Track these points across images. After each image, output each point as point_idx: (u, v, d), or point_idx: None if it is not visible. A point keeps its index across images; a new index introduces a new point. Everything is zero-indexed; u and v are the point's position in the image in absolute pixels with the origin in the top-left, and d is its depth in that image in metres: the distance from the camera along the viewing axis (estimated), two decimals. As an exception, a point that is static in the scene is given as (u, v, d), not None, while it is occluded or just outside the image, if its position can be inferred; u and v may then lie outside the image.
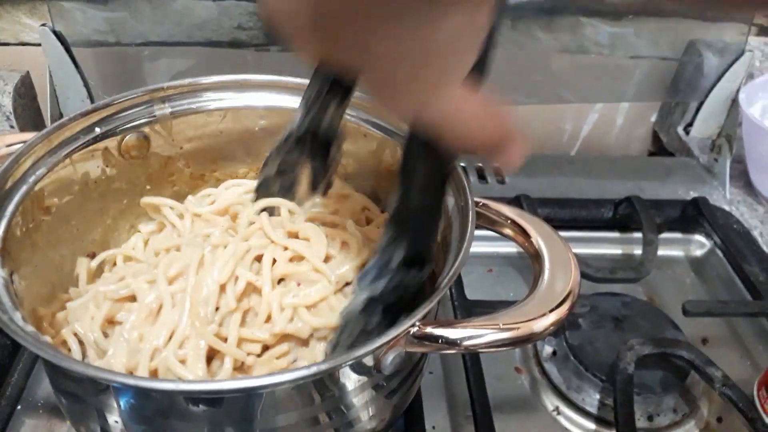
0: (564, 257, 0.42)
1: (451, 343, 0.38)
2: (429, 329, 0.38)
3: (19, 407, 0.54)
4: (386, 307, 0.40)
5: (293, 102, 0.53)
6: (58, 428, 0.54)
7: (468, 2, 0.24)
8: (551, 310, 0.39)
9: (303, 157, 0.46)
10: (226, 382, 0.37)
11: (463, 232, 0.42)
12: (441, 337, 0.38)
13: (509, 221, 0.46)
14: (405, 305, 0.40)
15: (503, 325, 0.38)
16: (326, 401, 0.39)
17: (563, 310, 0.39)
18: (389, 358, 0.38)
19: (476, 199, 0.45)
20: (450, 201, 0.47)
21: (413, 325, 0.37)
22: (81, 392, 0.41)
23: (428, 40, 0.25)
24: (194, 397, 0.36)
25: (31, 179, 0.45)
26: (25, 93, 0.80)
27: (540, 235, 0.44)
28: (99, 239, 0.53)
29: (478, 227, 0.43)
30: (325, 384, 0.38)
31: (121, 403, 0.39)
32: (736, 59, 0.85)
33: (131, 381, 0.36)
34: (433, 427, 0.56)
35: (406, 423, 0.54)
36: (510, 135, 0.32)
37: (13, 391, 0.54)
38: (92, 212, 0.51)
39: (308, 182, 0.49)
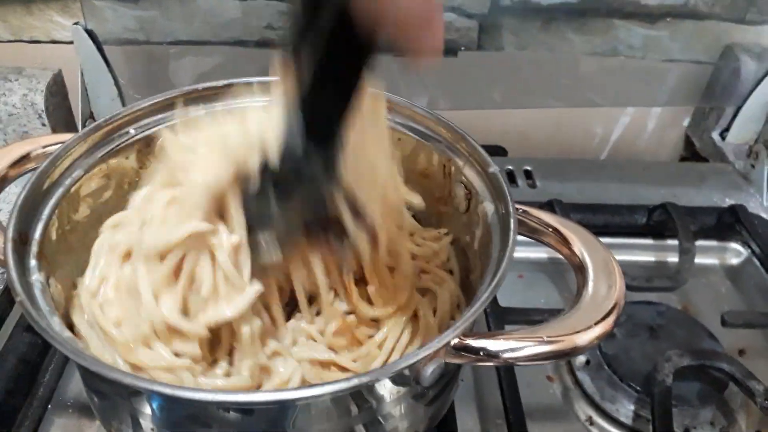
0: (608, 267, 0.41)
1: (492, 355, 0.38)
2: (469, 341, 0.37)
3: (49, 407, 0.54)
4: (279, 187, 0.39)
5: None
6: (88, 428, 0.54)
7: None
8: (596, 323, 0.38)
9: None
10: (262, 393, 0.37)
11: (504, 241, 0.41)
12: (481, 348, 0.37)
13: (550, 229, 0.45)
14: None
15: (547, 337, 0.37)
16: (363, 412, 0.39)
17: (609, 322, 0.38)
18: (429, 370, 0.37)
19: (516, 206, 0.44)
20: (489, 207, 0.46)
21: (454, 337, 0.36)
22: (113, 393, 0.40)
23: None
24: (227, 407, 0.36)
25: (68, 181, 0.45)
26: (57, 91, 0.80)
27: (583, 243, 0.43)
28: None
29: (518, 235, 0.42)
30: (362, 396, 0.38)
31: (154, 408, 0.38)
32: (775, 63, 0.83)
33: (167, 390, 0.35)
34: (465, 436, 0.55)
35: (439, 429, 0.53)
36: (433, 13, 0.29)
37: (45, 391, 0.54)
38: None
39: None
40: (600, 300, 0.39)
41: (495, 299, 0.63)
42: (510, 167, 0.84)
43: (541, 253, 0.72)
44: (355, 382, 0.33)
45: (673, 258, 0.70)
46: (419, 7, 0.29)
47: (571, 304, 0.40)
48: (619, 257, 0.71)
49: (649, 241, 0.75)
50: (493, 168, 0.46)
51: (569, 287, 0.68)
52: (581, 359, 0.61)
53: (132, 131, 0.50)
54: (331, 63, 0.34)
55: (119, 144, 0.49)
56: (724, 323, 0.62)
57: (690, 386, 0.57)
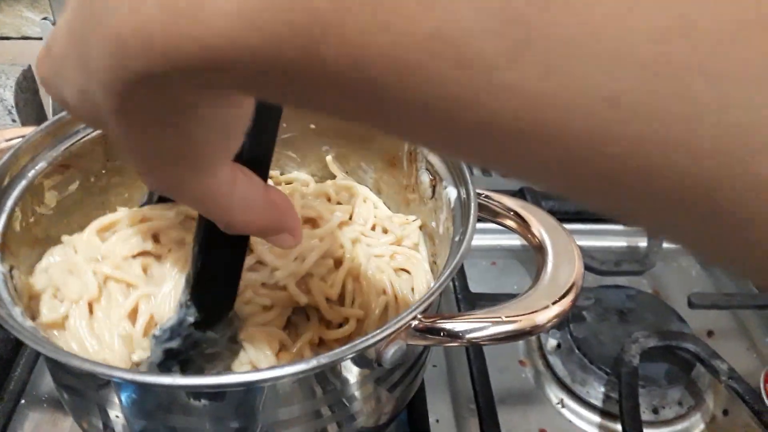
0: (568, 249, 0.42)
1: (453, 335, 0.38)
2: (430, 322, 0.38)
3: (23, 401, 0.54)
4: (184, 361, 0.41)
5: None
6: (62, 422, 0.54)
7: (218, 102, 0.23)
8: (554, 302, 0.38)
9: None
10: (225, 376, 0.37)
11: (465, 224, 0.41)
12: (443, 329, 0.38)
13: (512, 212, 0.45)
14: (206, 360, 0.41)
15: (506, 317, 0.38)
16: (328, 394, 0.39)
17: (567, 301, 0.39)
18: (390, 351, 0.37)
19: (478, 190, 0.45)
20: (452, 193, 0.46)
21: (414, 318, 0.37)
22: (82, 387, 0.40)
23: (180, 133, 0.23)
24: (195, 392, 0.36)
25: (31, 174, 0.45)
26: (27, 87, 0.80)
27: (543, 226, 0.43)
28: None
29: (480, 219, 0.43)
30: (326, 377, 0.38)
31: (122, 398, 0.38)
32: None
33: (130, 376, 0.36)
34: (437, 420, 0.55)
35: (410, 416, 0.54)
36: (285, 222, 0.33)
37: (16, 385, 0.54)
38: (94, 206, 0.51)
39: None
40: (559, 280, 0.40)
41: (466, 285, 0.63)
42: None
43: (514, 241, 0.73)
44: (314, 363, 0.33)
45: (644, 243, 0.71)
46: (270, 223, 0.32)
47: (531, 284, 0.40)
48: (590, 243, 0.74)
49: (620, 227, 0.76)
50: None
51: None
52: (552, 343, 0.62)
53: (97, 123, 0.49)
54: (214, 259, 0.37)
55: (84, 136, 0.49)
56: (690, 305, 0.63)
57: (658, 367, 0.58)
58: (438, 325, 0.38)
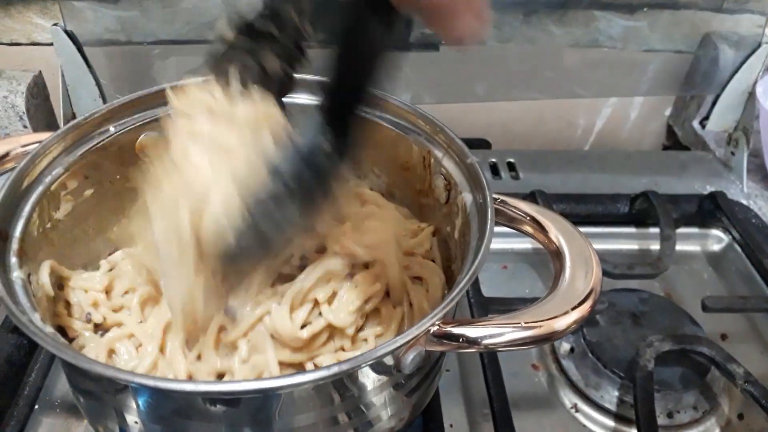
0: (585, 254, 0.41)
1: (472, 341, 0.38)
2: (449, 328, 0.38)
3: (37, 407, 0.54)
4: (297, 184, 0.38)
5: (311, 99, 0.53)
6: (76, 427, 0.54)
7: None
8: (573, 308, 0.38)
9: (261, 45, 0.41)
10: (244, 383, 0.37)
11: (482, 230, 0.41)
12: (461, 335, 0.38)
13: (528, 218, 0.45)
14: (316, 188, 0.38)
15: (525, 323, 0.38)
16: (346, 401, 0.39)
17: (585, 307, 0.39)
18: (409, 358, 0.37)
19: (494, 195, 0.45)
20: (468, 198, 0.46)
21: (433, 324, 0.37)
22: (99, 391, 0.40)
23: None
24: (212, 398, 0.36)
25: (48, 179, 0.45)
26: (37, 93, 0.80)
27: (560, 231, 0.43)
28: (115, 238, 0.52)
29: (496, 224, 0.43)
30: (344, 384, 0.38)
31: (140, 403, 0.39)
32: (753, 52, 0.84)
33: (150, 382, 0.36)
34: (451, 425, 0.55)
35: (425, 421, 0.53)
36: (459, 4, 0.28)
37: (30, 390, 0.54)
38: (108, 211, 0.51)
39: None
40: (577, 286, 0.40)
41: (479, 289, 0.63)
42: (493, 160, 0.84)
43: (525, 244, 0.72)
44: (335, 370, 0.33)
45: (656, 246, 0.70)
46: None
47: (549, 290, 0.40)
48: (602, 246, 0.74)
49: (632, 230, 0.76)
50: (471, 158, 0.46)
51: (553, 277, 0.69)
52: (565, 347, 0.61)
53: (112, 129, 0.50)
54: (360, 38, 0.34)
55: (99, 142, 0.49)
56: (704, 308, 0.62)
57: (672, 371, 0.58)
58: (456, 330, 0.38)
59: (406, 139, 0.52)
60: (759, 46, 0.83)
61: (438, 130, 0.50)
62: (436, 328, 0.37)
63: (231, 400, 0.36)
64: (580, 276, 0.40)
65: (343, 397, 0.38)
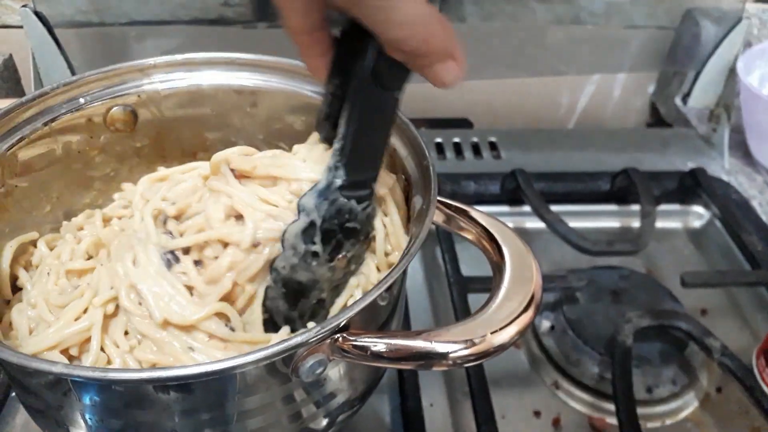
0: (526, 261, 0.40)
1: (377, 356, 0.34)
2: (356, 338, 0.34)
3: (13, 393, 0.54)
4: (326, 234, 0.40)
5: (282, 83, 0.52)
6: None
7: None
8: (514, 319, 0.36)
9: None
10: (166, 370, 0.33)
11: (411, 242, 0.40)
12: (367, 348, 0.34)
13: (479, 227, 0.43)
14: (345, 236, 0.41)
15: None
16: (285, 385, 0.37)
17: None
18: (307, 365, 0.34)
19: (451, 203, 0.44)
20: (418, 201, 0.44)
21: (338, 332, 0.34)
22: (40, 389, 0.37)
23: None
24: (156, 385, 0.33)
25: (5, 146, 0.44)
26: (8, 76, 0.78)
27: (503, 240, 0.42)
28: (81, 209, 0.51)
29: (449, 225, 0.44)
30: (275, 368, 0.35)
31: (83, 397, 0.35)
32: (734, 27, 0.83)
33: (89, 374, 0.33)
34: (431, 404, 0.55)
35: (403, 400, 0.53)
36: (452, 47, 0.33)
37: (5, 377, 0.53)
38: (74, 182, 0.50)
39: None
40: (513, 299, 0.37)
41: (458, 268, 0.63)
42: (475, 139, 0.84)
43: (506, 223, 0.72)
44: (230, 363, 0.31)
45: (637, 223, 0.70)
46: (438, 40, 0.33)
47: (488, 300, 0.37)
48: (583, 224, 0.73)
49: (613, 207, 0.76)
50: (427, 161, 0.43)
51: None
52: (546, 325, 0.61)
53: (82, 100, 0.48)
54: (373, 101, 0.38)
55: (67, 111, 0.48)
56: (683, 284, 0.62)
57: (651, 347, 0.58)
58: (362, 342, 0.34)
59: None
60: (740, 21, 0.83)
61: (404, 127, 0.46)
62: (341, 336, 0.34)
63: (177, 386, 0.33)
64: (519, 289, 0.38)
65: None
